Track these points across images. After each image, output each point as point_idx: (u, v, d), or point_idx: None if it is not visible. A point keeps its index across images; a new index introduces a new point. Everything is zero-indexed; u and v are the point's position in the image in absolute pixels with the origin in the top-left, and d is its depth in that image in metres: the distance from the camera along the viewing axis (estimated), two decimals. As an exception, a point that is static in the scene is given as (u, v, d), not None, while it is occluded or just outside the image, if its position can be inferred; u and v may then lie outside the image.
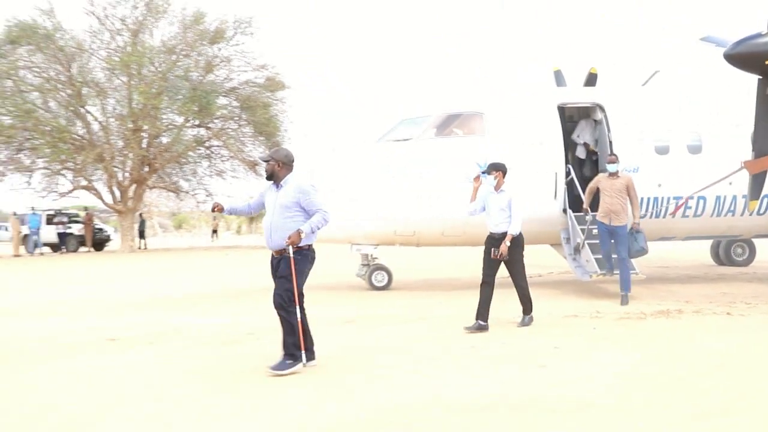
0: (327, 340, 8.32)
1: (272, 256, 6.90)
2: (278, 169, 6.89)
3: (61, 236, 34.83)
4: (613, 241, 11.38)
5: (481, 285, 9.35)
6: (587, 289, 13.04)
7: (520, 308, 9.55)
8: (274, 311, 6.90)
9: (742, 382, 6.19)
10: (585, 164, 14.37)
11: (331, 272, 16.81)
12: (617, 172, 11.31)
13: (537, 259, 18.53)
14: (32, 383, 6.61)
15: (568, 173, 13.53)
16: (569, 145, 14.05)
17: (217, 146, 36.29)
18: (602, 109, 13.84)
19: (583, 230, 12.60)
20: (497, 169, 9.51)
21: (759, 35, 11.34)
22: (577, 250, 12.84)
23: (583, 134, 14.41)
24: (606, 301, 11.17)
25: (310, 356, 6.95)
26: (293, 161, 7.02)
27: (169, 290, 14.98)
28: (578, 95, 14.63)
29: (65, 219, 35.58)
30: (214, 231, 53.48)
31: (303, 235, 6.63)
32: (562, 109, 13.85)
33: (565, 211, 13.36)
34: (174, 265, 24.49)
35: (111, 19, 33.65)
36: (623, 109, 13.97)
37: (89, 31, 33.63)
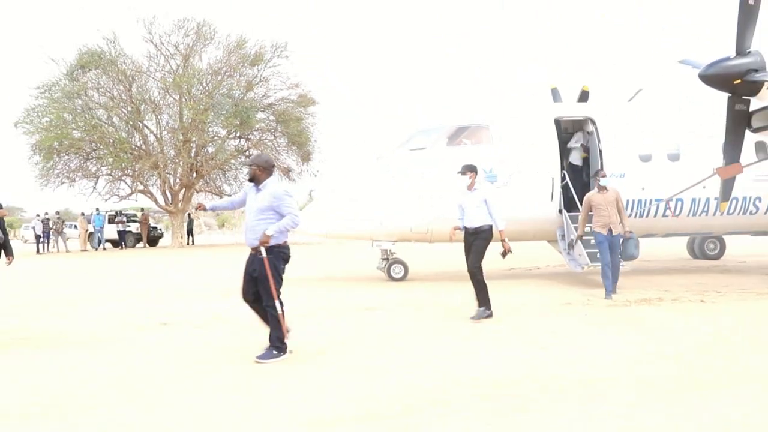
0: (351, 325, 8.30)
1: (250, 252, 6.69)
2: (259, 173, 6.70)
3: (121, 234, 35.02)
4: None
5: (471, 278, 8.90)
6: (580, 280, 12.96)
7: (525, 297, 9.44)
8: (244, 302, 6.82)
9: (724, 359, 6.10)
10: (578, 170, 14.28)
11: (354, 265, 16.81)
12: (605, 186, 10.79)
13: (535, 254, 18.47)
14: (110, 357, 6.62)
15: (563, 178, 13.51)
16: (564, 153, 13.99)
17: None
18: (593, 122, 13.80)
19: (576, 228, 12.60)
20: (471, 170, 9.05)
21: (728, 59, 11.28)
22: (570, 245, 12.87)
23: (579, 140, 14.35)
24: (596, 290, 11.06)
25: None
26: (273, 166, 6.85)
27: (213, 281, 15.00)
28: (572, 110, 14.60)
29: (124, 219, 35.78)
30: None
31: (269, 236, 6.41)
32: (558, 122, 13.80)
33: (560, 211, 13.35)
34: (218, 259, 24.54)
35: (166, 45, 33.89)
36: (611, 122, 13.90)
37: (147, 56, 33.91)
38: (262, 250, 6.49)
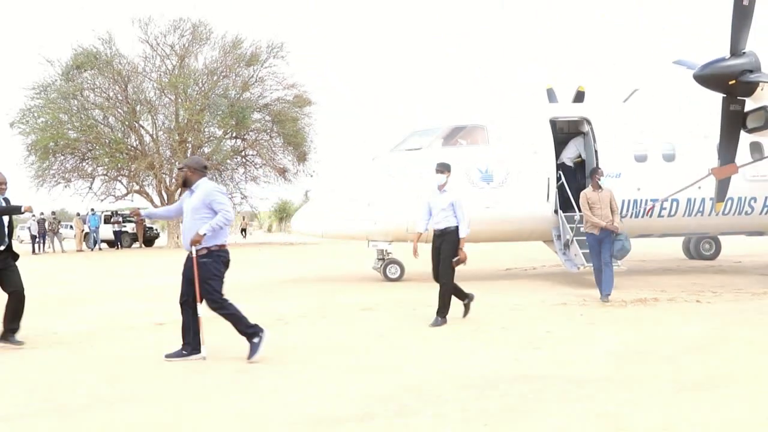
0: (347, 325, 8.30)
1: (188, 255, 6.58)
2: (190, 174, 6.68)
3: (117, 234, 35.02)
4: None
5: (437, 282, 8.58)
6: (575, 280, 12.97)
7: (521, 298, 9.42)
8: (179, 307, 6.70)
9: (720, 359, 6.12)
10: (572, 171, 14.29)
11: (350, 266, 16.82)
12: (600, 185, 10.54)
13: (531, 254, 18.51)
14: (106, 357, 6.61)
15: (558, 178, 13.53)
16: (559, 154, 14.01)
17: (252, 155, 36.37)
18: (589, 122, 13.82)
19: (572, 228, 12.66)
20: (448, 170, 8.67)
21: (723, 59, 11.33)
22: (566, 245, 12.87)
23: (576, 149, 14.31)
24: (592, 290, 11.07)
25: (196, 350, 6.60)
26: (204, 167, 6.81)
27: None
28: (568, 110, 14.64)
29: (120, 219, 35.77)
30: (243, 230, 53.45)
31: (202, 234, 6.33)
32: (553, 123, 13.83)
33: (556, 211, 13.36)
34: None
35: (161, 45, 33.85)
36: (607, 123, 13.93)
37: (142, 56, 33.84)
38: (193, 249, 6.42)
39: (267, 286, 13.55)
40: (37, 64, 60.94)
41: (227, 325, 8.53)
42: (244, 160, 36.72)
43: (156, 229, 39.30)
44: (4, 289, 7.38)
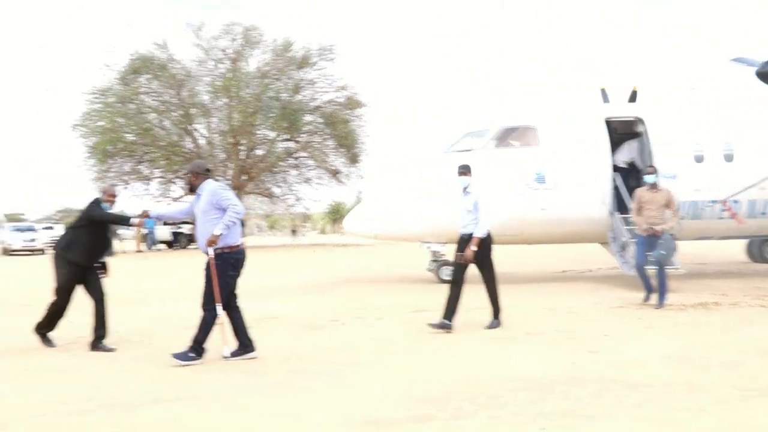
0: (400, 326, 8.31)
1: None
2: (194, 179, 6.71)
3: (174, 235, 35.72)
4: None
5: (450, 284, 8.44)
6: (633, 283, 12.69)
7: (577, 300, 9.29)
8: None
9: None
10: (628, 172, 14.07)
11: (403, 267, 16.83)
12: (656, 184, 10.12)
13: (587, 256, 18.28)
14: (160, 356, 6.74)
15: (614, 180, 13.33)
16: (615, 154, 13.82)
17: (304, 157, 36.70)
18: (643, 122, 13.60)
19: (628, 230, 12.44)
20: (471, 171, 8.49)
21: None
22: (623, 247, 12.65)
23: (630, 153, 14.08)
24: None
25: (249, 350, 6.71)
26: (207, 169, 6.82)
27: (264, 281, 15.17)
28: (622, 110, 14.40)
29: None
30: (293, 231, 53.96)
31: (218, 234, 6.38)
32: (608, 123, 13.63)
33: (612, 213, 13.15)
34: (268, 260, 24.81)
35: (214, 50, 34.40)
36: (663, 122, 13.69)
37: (196, 60, 34.47)
38: (209, 250, 6.46)
39: (321, 286, 13.65)
40: (97, 70, 62.46)
41: (281, 327, 8.66)
42: (296, 161, 37.08)
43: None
44: (90, 296, 7.46)
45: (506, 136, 13.69)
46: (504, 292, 11.78)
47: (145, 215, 7.22)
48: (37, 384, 5.81)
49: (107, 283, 7.65)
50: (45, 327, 7.51)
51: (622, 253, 12.71)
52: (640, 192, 10.23)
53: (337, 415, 4.68)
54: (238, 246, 6.62)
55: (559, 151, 13.27)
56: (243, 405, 4.99)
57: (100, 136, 32.30)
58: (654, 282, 9.91)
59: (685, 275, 12.63)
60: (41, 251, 36.06)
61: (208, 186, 6.64)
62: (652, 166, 10.65)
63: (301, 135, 35.67)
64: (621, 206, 13.09)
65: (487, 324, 8.29)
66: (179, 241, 35.59)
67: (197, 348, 6.47)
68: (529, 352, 6.76)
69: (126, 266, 21.28)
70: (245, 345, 6.75)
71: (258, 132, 34.98)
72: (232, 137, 33.88)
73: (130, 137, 33.15)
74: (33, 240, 36.54)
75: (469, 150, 13.55)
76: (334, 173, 36.62)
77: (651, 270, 10.06)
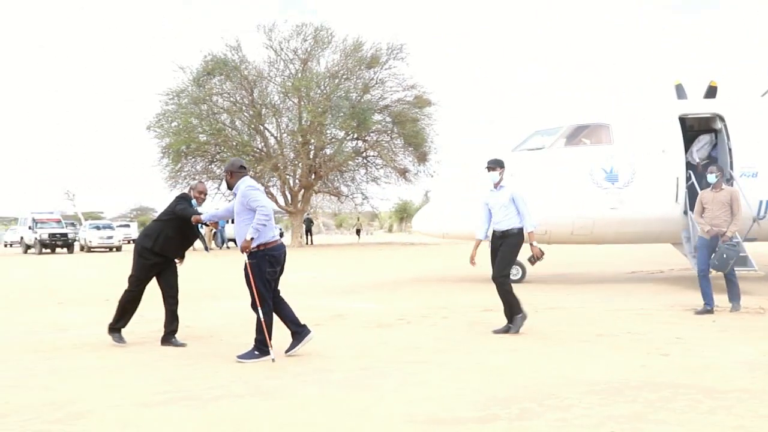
0: (468, 326, 8.28)
1: None
2: (230, 178, 6.73)
3: (244, 233, 36.34)
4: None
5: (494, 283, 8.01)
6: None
7: (648, 302, 9.06)
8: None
9: None
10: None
11: (470, 267, 16.72)
12: (719, 183, 9.53)
13: (659, 257, 17.86)
14: (231, 353, 6.89)
15: (688, 178, 12.98)
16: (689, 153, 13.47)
17: (373, 156, 36.91)
18: (722, 119, 13.19)
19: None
20: (500, 165, 8.13)
21: None
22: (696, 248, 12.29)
23: (706, 149, 13.69)
24: (725, 296, 10.58)
25: (303, 335, 6.78)
26: (241, 166, 6.81)
27: (331, 280, 15.34)
28: (698, 107, 14.00)
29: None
30: (358, 231, 54.31)
31: (249, 240, 6.40)
32: (683, 120, 13.29)
33: (685, 212, 12.81)
34: (335, 258, 25.05)
35: (285, 51, 34.89)
36: (744, 119, 13.25)
37: (267, 61, 35.02)
38: (245, 255, 6.50)
39: (388, 285, 13.72)
40: (171, 71, 64.12)
41: (349, 324, 8.75)
42: (365, 161, 37.33)
43: (280, 229, 40.57)
44: (162, 291, 7.62)
45: (577, 134, 13.51)
46: (574, 293, 11.69)
47: (197, 221, 7.35)
48: (112, 377, 6.02)
49: (180, 278, 7.84)
50: (117, 322, 7.62)
51: (696, 254, 12.35)
52: (702, 193, 9.79)
53: (403, 413, 4.71)
54: (273, 242, 6.63)
55: (632, 148, 13.00)
56: (312, 401, 5.07)
57: (174, 137, 33.14)
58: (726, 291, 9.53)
59: (764, 277, 12.21)
60: (118, 248, 37.25)
61: (242, 184, 6.69)
62: (714, 166, 10.25)
63: (370, 134, 35.88)
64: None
65: (500, 328, 7.91)
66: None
67: (261, 347, 6.57)
68: (598, 354, 6.66)
69: (197, 263, 21.81)
70: (298, 333, 6.76)
71: (327, 131, 35.34)
72: (301, 137, 34.32)
73: (202, 137, 33.94)
74: (110, 237, 37.72)
75: (540, 148, 13.42)
76: (402, 172, 36.72)
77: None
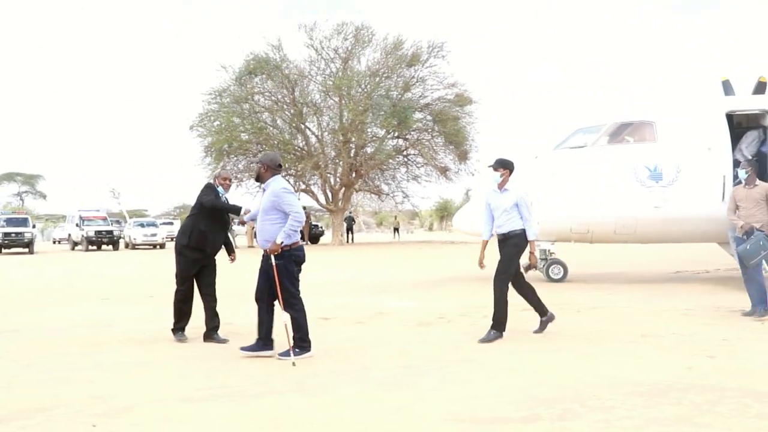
0: (509, 325, 8.20)
1: (264, 252, 6.64)
2: (264, 171, 6.63)
3: (285, 231, 36.62)
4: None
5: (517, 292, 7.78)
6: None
7: (692, 302, 8.86)
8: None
9: None
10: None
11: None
12: (752, 179, 9.09)
13: (704, 256, 17.54)
14: (287, 346, 6.94)
15: (735, 176, 12.70)
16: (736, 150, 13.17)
17: (413, 154, 36.92)
18: (772, 115, 12.88)
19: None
20: (505, 166, 7.63)
21: None
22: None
23: (755, 146, 13.37)
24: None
25: (267, 347, 6.68)
26: (278, 165, 6.73)
27: (372, 278, 15.35)
28: (747, 103, 13.68)
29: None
30: (396, 230, 54.34)
31: (280, 243, 6.36)
32: (730, 117, 13.01)
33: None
34: (376, 256, 25.08)
35: (326, 50, 35.06)
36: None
37: (308, 60, 35.24)
38: (272, 257, 6.45)
39: (428, 284, 13.69)
40: (213, 71, 64.92)
41: (389, 322, 8.75)
42: (405, 159, 37.35)
43: (321, 227, 40.82)
44: (200, 289, 7.71)
45: (621, 131, 13.32)
46: (617, 293, 11.52)
47: (242, 222, 7.37)
48: (155, 372, 6.11)
49: (219, 276, 7.92)
50: (178, 322, 7.71)
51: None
52: (735, 189, 9.46)
53: (444, 412, 4.69)
54: (296, 243, 6.61)
55: (677, 146, 12.78)
56: (352, 399, 5.08)
57: (216, 136, 33.53)
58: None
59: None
60: (161, 245, 37.80)
61: (274, 184, 6.62)
62: (745, 161, 9.90)
63: (411, 132, 35.90)
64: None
65: (482, 336, 7.43)
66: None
67: (301, 345, 6.57)
68: (642, 354, 6.54)
69: (238, 261, 22.03)
70: (265, 344, 6.71)
71: (368, 130, 35.44)
72: (342, 135, 34.46)
73: (244, 136, 34.30)
74: (154, 235, 38.28)
75: (582, 146, 13.27)
76: (443, 170, 36.64)
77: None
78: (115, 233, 37.11)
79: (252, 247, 33.48)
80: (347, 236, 39.73)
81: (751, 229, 8.87)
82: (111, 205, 51.99)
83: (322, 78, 35.31)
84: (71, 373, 6.08)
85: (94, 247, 36.34)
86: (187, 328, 7.79)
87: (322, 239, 39.74)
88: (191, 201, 8.36)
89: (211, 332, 7.58)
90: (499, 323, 7.43)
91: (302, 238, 34.46)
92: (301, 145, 35.70)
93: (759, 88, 14.50)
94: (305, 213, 37.11)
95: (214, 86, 34.94)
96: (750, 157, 13.25)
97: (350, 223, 41.48)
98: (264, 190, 6.71)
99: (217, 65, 44.74)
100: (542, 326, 7.76)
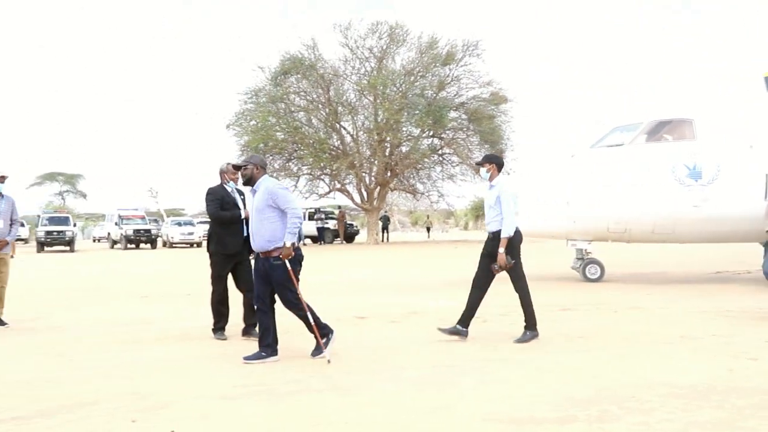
0: (546, 325, 8.15)
1: (257, 255, 6.51)
2: (256, 172, 6.48)
3: (320, 230, 36.83)
4: None
5: (471, 288, 7.75)
6: (797, 286, 11.87)
7: (733, 303, 8.73)
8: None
9: None
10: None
11: (548, 265, 16.51)
12: None
13: (745, 257, 17.23)
14: (307, 348, 6.97)
15: (777, 175, 12.47)
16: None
17: (449, 153, 36.84)
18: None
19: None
20: (490, 161, 7.50)
21: None
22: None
23: None
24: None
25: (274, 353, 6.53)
26: (266, 165, 6.66)
27: (408, 277, 15.34)
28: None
29: (323, 216, 37.55)
30: (428, 229, 54.21)
31: (290, 245, 6.22)
32: (772, 114, 12.74)
33: (775, 210, 12.28)
34: (411, 255, 25.05)
35: (361, 49, 35.15)
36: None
37: (343, 59, 35.36)
38: (286, 262, 6.32)
39: (463, 283, 13.58)
40: (250, 71, 65.36)
41: (425, 321, 8.73)
42: (441, 158, 37.27)
43: (356, 226, 40.93)
44: (237, 286, 7.75)
45: (659, 130, 13.13)
46: (655, 293, 11.37)
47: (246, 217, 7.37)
48: (194, 370, 6.18)
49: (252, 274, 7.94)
50: (217, 323, 7.77)
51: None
52: None
53: (482, 411, 4.67)
54: (294, 242, 6.53)
55: (717, 144, 12.56)
56: (388, 398, 5.08)
57: (252, 135, 33.79)
58: None
59: None
60: (198, 244, 38.22)
61: (265, 183, 6.52)
62: None
63: (446, 131, 35.82)
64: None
65: (518, 337, 7.34)
66: (324, 236, 36.65)
67: (324, 342, 6.53)
68: (682, 356, 6.44)
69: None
70: (273, 348, 6.58)
71: (403, 129, 35.45)
72: (377, 134, 34.52)
73: (280, 135, 34.52)
74: (191, 233, 38.71)
75: (619, 145, 13.10)
76: (478, 169, 36.48)
77: None
78: (153, 232, 37.61)
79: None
80: (383, 235, 39.76)
81: None
82: (149, 204, 52.66)
83: (356, 77, 35.41)
84: (112, 369, 6.18)
85: (133, 246, 36.89)
86: (227, 326, 7.85)
87: (358, 238, 39.84)
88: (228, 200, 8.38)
89: (249, 328, 7.62)
90: (531, 324, 7.36)
91: (337, 236, 34.54)
92: (336, 144, 35.84)
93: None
94: (340, 212, 37.25)
95: (250, 86, 35.28)
96: None
97: (386, 222, 41.51)
98: (255, 191, 6.60)
99: (253, 65, 45.13)
100: (450, 332, 7.45)
